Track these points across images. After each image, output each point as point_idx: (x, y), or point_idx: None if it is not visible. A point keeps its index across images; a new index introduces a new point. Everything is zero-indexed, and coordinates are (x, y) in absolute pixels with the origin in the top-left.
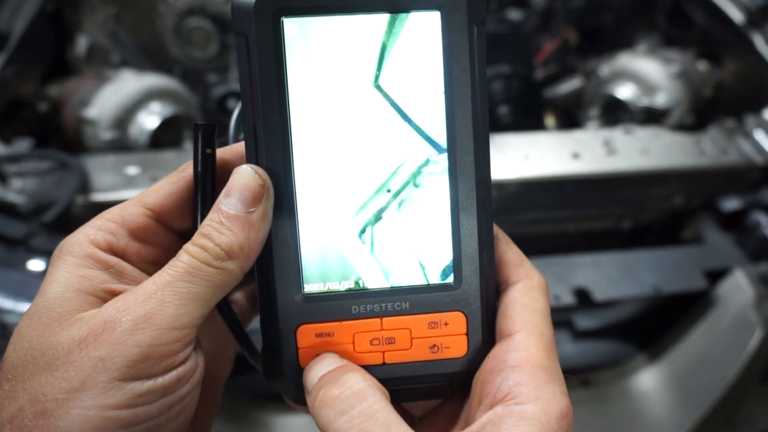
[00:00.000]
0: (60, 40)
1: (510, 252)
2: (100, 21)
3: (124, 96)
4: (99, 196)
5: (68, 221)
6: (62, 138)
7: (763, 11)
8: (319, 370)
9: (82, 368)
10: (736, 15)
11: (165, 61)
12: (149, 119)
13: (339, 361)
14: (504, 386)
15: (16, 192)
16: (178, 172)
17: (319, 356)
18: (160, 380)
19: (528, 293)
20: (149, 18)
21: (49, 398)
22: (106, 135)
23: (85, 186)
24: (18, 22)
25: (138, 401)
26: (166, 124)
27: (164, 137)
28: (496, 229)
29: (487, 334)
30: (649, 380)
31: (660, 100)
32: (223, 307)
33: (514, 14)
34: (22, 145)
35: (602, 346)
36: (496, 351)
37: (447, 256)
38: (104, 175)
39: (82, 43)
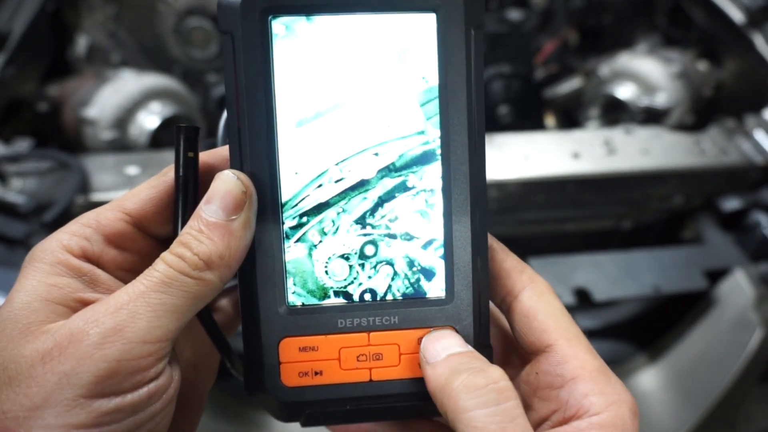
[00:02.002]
0: (60, 40)
1: (509, 260)
2: (100, 21)
3: (124, 96)
4: (99, 196)
5: (68, 221)
6: (62, 138)
7: (763, 11)
8: (445, 345)
9: (45, 384)
10: (736, 15)
11: (165, 61)
12: (149, 119)
13: (465, 345)
14: (572, 401)
15: (16, 192)
16: (159, 176)
17: (440, 331)
18: (129, 397)
19: (542, 298)
20: (149, 18)
21: (9, 416)
22: (106, 135)
23: (85, 186)
24: (18, 22)
25: (104, 419)
26: (166, 124)
27: (164, 137)
28: (491, 239)
29: (478, 350)
30: (649, 380)
31: (660, 100)
32: (205, 316)
33: (514, 14)
34: (22, 145)
35: (602, 346)
36: (544, 366)
37: (439, 269)
38: (104, 175)
39: (82, 43)
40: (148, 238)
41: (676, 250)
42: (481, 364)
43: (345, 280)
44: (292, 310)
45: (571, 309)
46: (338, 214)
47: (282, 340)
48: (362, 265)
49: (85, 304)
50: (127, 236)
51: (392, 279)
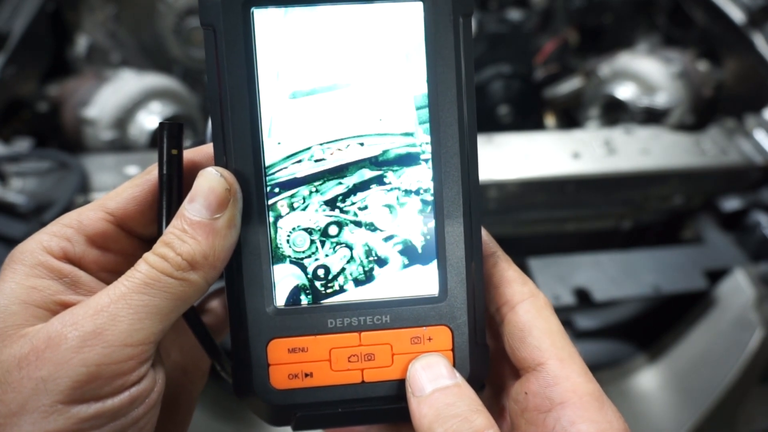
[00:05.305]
0: (60, 40)
1: (511, 270)
2: (100, 21)
3: (124, 96)
4: (99, 196)
5: None
6: (62, 138)
7: (764, 11)
8: (432, 376)
9: (21, 390)
10: (737, 15)
11: (165, 61)
12: (149, 119)
13: (452, 374)
14: (559, 428)
15: (16, 192)
16: (143, 175)
17: (428, 358)
18: (110, 402)
19: (540, 314)
20: (149, 18)
21: None
22: (106, 135)
23: (85, 186)
24: (18, 22)
25: (84, 426)
26: None
27: None
28: (495, 247)
29: (474, 350)
30: (649, 380)
31: (660, 100)
32: (192, 317)
33: (514, 14)
34: (22, 145)
35: (602, 346)
36: (534, 387)
37: (431, 266)
38: (104, 175)
39: (82, 43)
40: (132, 238)
41: (676, 250)
42: (467, 409)
43: (303, 252)
44: (280, 310)
45: (571, 309)
46: (311, 192)
47: (270, 341)
48: (323, 243)
49: (65, 306)
50: (109, 236)
51: (347, 262)
